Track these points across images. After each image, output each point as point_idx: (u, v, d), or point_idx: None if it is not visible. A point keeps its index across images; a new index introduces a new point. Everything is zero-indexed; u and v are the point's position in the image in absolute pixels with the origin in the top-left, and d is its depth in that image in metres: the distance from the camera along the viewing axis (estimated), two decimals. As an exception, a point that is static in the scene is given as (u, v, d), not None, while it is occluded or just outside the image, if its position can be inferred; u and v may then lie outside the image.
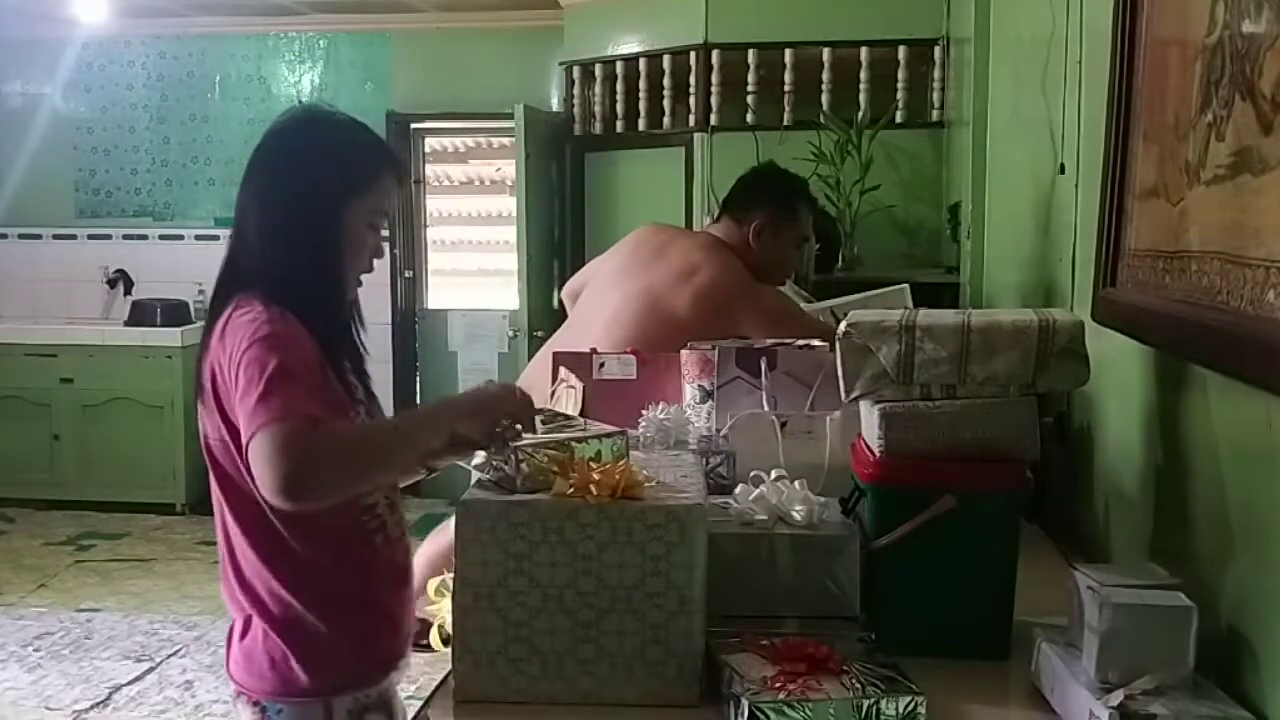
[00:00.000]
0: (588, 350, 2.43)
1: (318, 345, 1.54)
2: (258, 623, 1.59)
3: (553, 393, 2.40)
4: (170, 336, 5.90)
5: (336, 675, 1.59)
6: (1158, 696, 1.21)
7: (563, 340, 2.86)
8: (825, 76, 4.63)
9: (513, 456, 1.47)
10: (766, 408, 2.04)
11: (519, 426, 1.53)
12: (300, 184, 1.60)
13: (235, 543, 1.60)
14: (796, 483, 1.61)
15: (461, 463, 1.73)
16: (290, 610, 1.57)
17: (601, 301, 2.87)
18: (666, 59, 4.94)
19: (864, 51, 4.59)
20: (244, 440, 1.42)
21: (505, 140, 6.02)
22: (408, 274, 6.36)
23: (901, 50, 4.56)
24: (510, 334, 5.79)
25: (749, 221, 2.86)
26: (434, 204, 6.59)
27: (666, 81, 4.96)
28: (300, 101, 6.16)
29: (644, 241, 2.97)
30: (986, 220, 3.40)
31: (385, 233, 1.72)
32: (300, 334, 1.52)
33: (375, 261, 1.70)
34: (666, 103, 4.99)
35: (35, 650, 4.23)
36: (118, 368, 5.96)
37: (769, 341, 2.21)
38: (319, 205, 1.59)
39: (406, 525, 1.72)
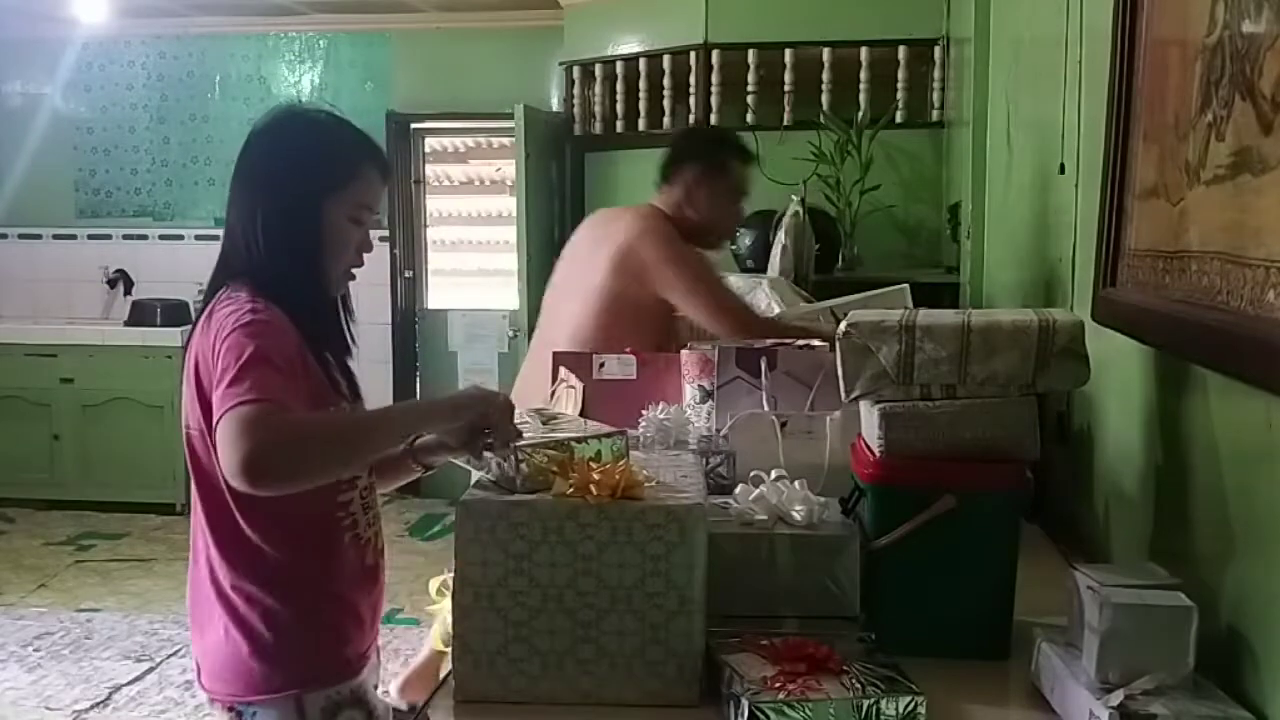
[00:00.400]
0: (561, 345, 2.46)
1: (302, 338, 1.55)
2: (222, 622, 1.59)
3: (553, 393, 2.40)
4: (170, 336, 5.90)
5: (303, 670, 1.59)
6: (1158, 696, 1.21)
7: (541, 338, 2.91)
8: (825, 76, 4.63)
9: (513, 456, 1.47)
10: (766, 408, 2.04)
11: (494, 440, 1.52)
12: (277, 180, 1.62)
13: (204, 537, 1.61)
14: (796, 483, 1.61)
15: (461, 462, 1.73)
16: (255, 605, 1.58)
17: (561, 294, 2.93)
18: (666, 59, 4.94)
19: (864, 51, 4.60)
20: (214, 422, 1.41)
21: (505, 140, 6.02)
22: (408, 274, 6.36)
23: (901, 50, 4.57)
24: (510, 334, 5.79)
25: (680, 184, 2.87)
26: (434, 204, 6.59)
27: (666, 81, 4.96)
28: (301, 101, 6.18)
29: (591, 227, 3.02)
30: (986, 220, 3.40)
31: (385, 230, 1.72)
32: (283, 325, 1.53)
33: (367, 258, 1.70)
34: (666, 103, 4.99)
35: (35, 650, 4.23)
36: (118, 368, 5.96)
37: (769, 341, 2.21)
38: (296, 200, 1.60)
39: (380, 528, 1.72)
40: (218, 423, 1.39)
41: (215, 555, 1.59)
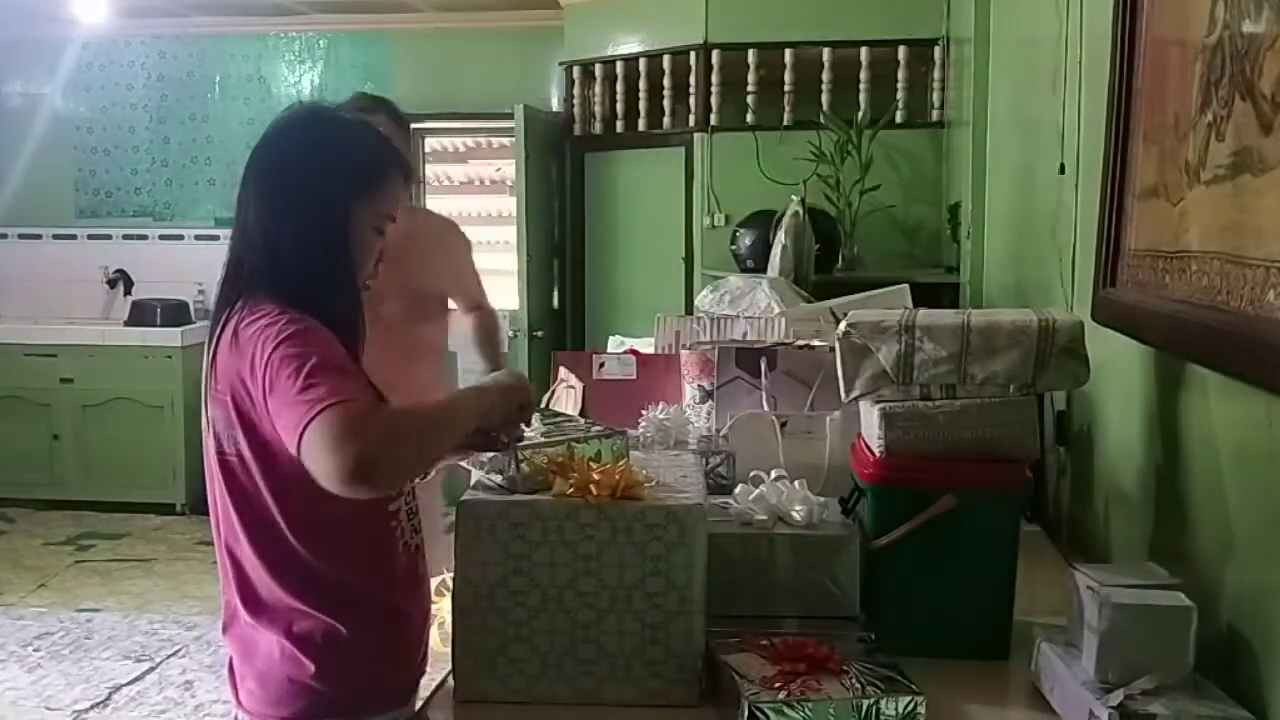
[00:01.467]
0: None
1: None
2: (274, 643, 1.50)
3: (552, 392, 2.40)
4: (170, 336, 5.90)
5: (362, 691, 1.52)
6: (1157, 696, 1.21)
7: None
8: (825, 76, 4.63)
9: (513, 456, 1.47)
10: (766, 408, 2.04)
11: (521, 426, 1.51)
12: (305, 183, 1.52)
13: (245, 561, 1.51)
14: (796, 483, 1.61)
15: (463, 464, 1.72)
16: (313, 623, 1.49)
17: None
18: (666, 59, 4.94)
19: (864, 51, 4.60)
20: (296, 436, 1.31)
21: (505, 140, 6.02)
22: (408, 274, 6.36)
23: (901, 50, 4.57)
24: (510, 334, 5.78)
25: None
26: (434, 204, 6.58)
27: (666, 81, 4.96)
28: (301, 102, 6.17)
29: None
30: (986, 220, 3.40)
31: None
32: (324, 330, 1.44)
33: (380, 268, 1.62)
34: (666, 103, 4.99)
35: (35, 650, 4.23)
36: (118, 368, 5.95)
37: (770, 340, 2.21)
38: (325, 205, 1.51)
39: (424, 535, 1.65)
40: (303, 433, 1.30)
41: (266, 579, 1.50)
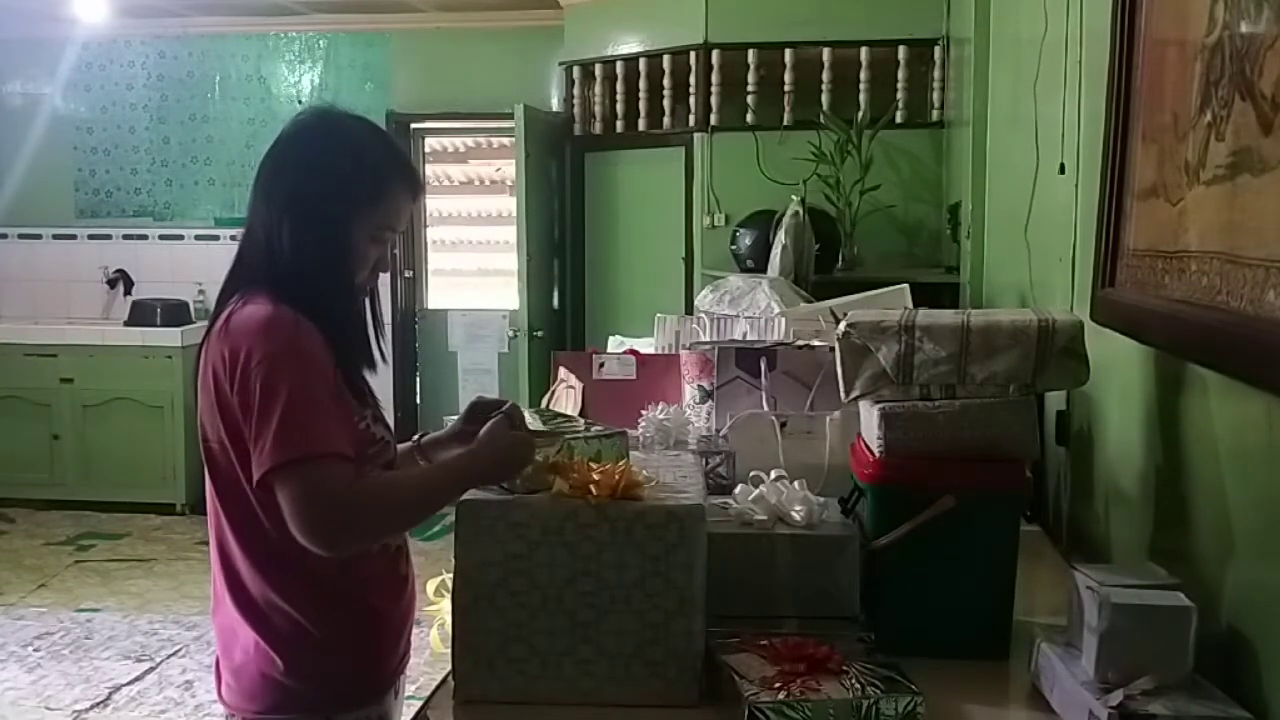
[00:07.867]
0: None
1: (328, 347, 1.49)
2: (250, 637, 1.54)
3: (552, 392, 2.40)
4: (170, 336, 5.90)
5: (332, 687, 1.55)
6: (1157, 696, 1.21)
7: None
8: (825, 76, 4.64)
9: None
10: (766, 408, 2.04)
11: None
12: (306, 188, 1.54)
13: (229, 549, 1.55)
14: (796, 483, 1.61)
15: None
16: (285, 619, 1.52)
17: None
18: (666, 59, 4.94)
19: (864, 51, 4.60)
20: (264, 471, 1.40)
21: (505, 140, 6.02)
22: (408, 274, 6.36)
23: (901, 50, 4.57)
24: (510, 334, 5.79)
25: None
26: (434, 204, 6.59)
27: (666, 81, 4.96)
28: (301, 101, 6.18)
29: None
30: (986, 220, 3.40)
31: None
32: (310, 340, 1.47)
33: (380, 275, 1.64)
34: (666, 103, 4.99)
35: (35, 650, 4.23)
36: (118, 368, 5.95)
37: (770, 340, 2.21)
38: (323, 211, 1.54)
39: (408, 537, 1.68)
40: (273, 474, 1.39)
41: (246, 569, 1.53)
